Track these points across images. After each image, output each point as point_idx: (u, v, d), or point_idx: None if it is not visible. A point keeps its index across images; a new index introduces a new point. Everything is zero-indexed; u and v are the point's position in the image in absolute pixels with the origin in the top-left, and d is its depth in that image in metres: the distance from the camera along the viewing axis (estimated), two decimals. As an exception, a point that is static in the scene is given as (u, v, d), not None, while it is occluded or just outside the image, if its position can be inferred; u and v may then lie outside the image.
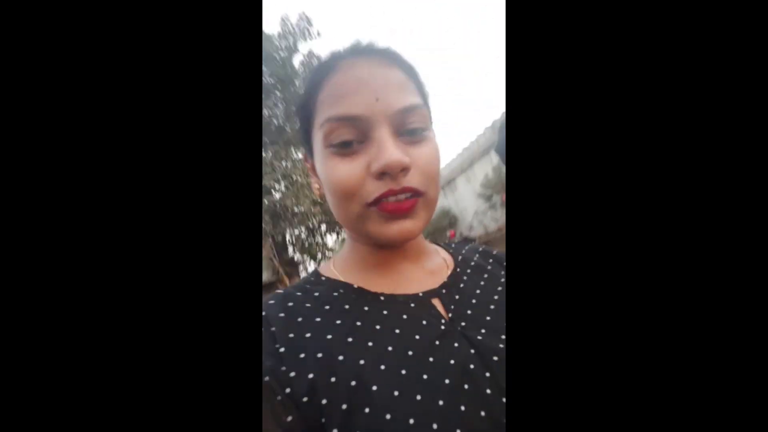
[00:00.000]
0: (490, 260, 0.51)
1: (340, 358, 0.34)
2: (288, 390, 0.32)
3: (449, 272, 0.45)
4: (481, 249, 0.53)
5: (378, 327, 0.37)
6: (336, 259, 0.46)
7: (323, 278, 0.43)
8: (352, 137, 0.36)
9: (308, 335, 0.35)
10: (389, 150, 0.34)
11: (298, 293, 0.40)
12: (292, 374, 0.33)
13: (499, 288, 0.45)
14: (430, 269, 0.45)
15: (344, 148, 0.36)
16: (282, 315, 0.37)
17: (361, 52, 0.38)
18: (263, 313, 0.38)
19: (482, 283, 0.45)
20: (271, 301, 0.40)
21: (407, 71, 0.39)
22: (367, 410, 0.31)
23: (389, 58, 0.38)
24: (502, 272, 0.48)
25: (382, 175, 0.35)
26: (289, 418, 0.31)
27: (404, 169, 0.35)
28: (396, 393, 0.31)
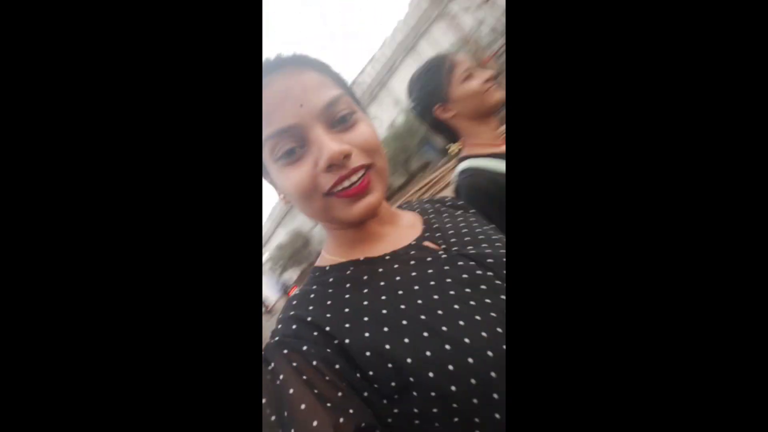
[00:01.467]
0: (437, 205, 0.61)
1: (385, 311, 0.40)
2: (338, 365, 0.36)
3: (422, 221, 0.54)
4: (426, 202, 0.62)
5: (398, 278, 0.43)
6: (328, 248, 0.50)
7: (327, 267, 0.47)
8: (293, 145, 0.39)
9: (346, 310, 0.40)
10: (327, 145, 0.38)
11: (314, 287, 0.45)
12: (347, 341, 0.37)
13: (459, 217, 0.56)
14: (407, 225, 0.52)
15: (289, 157, 0.40)
16: (311, 308, 0.42)
17: (273, 68, 0.40)
18: (291, 314, 0.42)
19: (446, 220, 0.55)
20: (294, 302, 0.44)
21: (320, 69, 0.42)
22: (425, 334, 0.37)
23: (300, 63, 0.41)
24: (450, 208, 0.59)
25: (330, 167, 0.39)
26: (339, 394, 0.35)
27: (346, 156, 0.39)
28: (440, 312, 0.39)
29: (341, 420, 0.34)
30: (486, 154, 0.88)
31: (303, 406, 0.34)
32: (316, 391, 0.35)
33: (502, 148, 0.89)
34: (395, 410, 0.36)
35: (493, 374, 0.34)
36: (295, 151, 0.39)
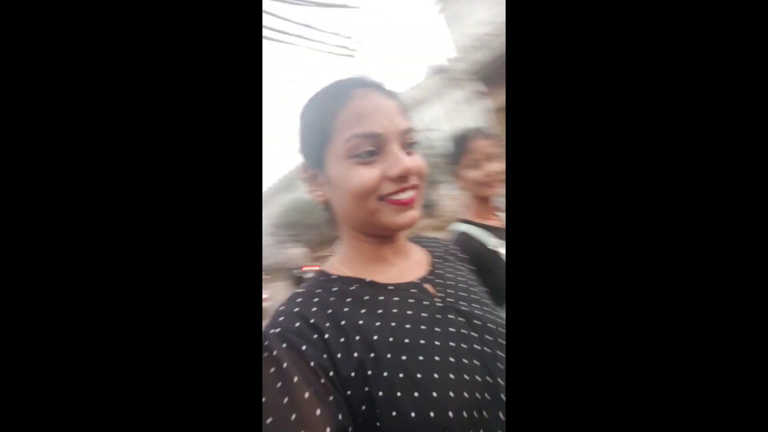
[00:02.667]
0: (446, 248, 0.65)
1: (375, 338, 0.43)
2: (331, 373, 0.40)
3: (429, 262, 0.58)
4: (437, 241, 0.67)
5: (395, 311, 0.47)
6: (339, 258, 0.54)
7: (334, 276, 0.51)
8: (373, 148, 0.46)
9: (343, 323, 0.44)
10: (405, 159, 0.46)
11: (318, 290, 0.49)
12: (339, 356, 0.41)
13: (460, 270, 0.60)
14: (416, 261, 0.57)
15: (366, 157, 0.46)
16: (315, 309, 0.45)
17: (368, 84, 0.49)
18: (296, 310, 0.45)
19: (449, 267, 0.60)
20: (299, 299, 0.47)
21: (399, 102, 0.51)
22: (401, 375, 0.40)
23: (387, 92, 0.51)
24: (455, 258, 0.64)
25: (399, 178, 0.46)
26: (331, 398, 0.38)
27: (411, 173, 0.47)
28: (421, 357, 0.42)
29: (340, 417, 0.37)
30: (481, 224, 1.02)
31: (307, 395, 0.37)
32: (313, 388, 0.38)
33: (495, 223, 1.03)
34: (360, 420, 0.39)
35: None
36: (371, 155, 0.46)
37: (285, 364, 0.38)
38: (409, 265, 0.55)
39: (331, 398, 0.38)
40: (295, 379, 0.37)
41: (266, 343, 0.41)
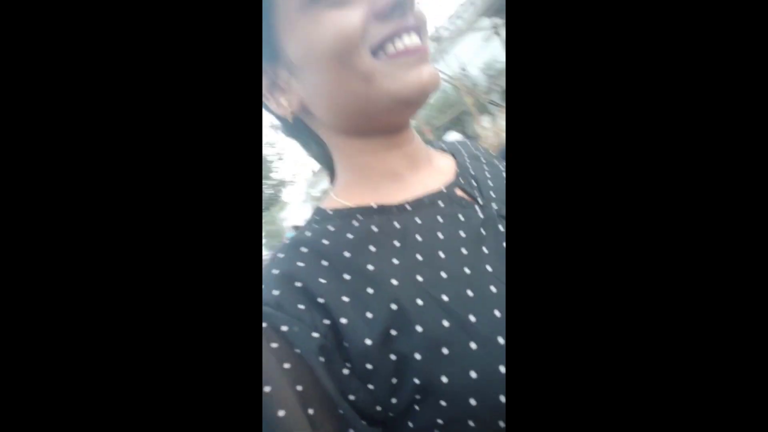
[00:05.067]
0: (472, 147, 0.48)
1: (394, 282, 0.30)
2: (347, 343, 0.28)
3: (454, 163, 0.42)
4: (459, 140, 0.50)
5: (419, 238, 0.33)
6: (337, 188, 0.39)
7: (330, 212, 0.36)
8: None
9: (346, 276, 0.31)
10: None
11: (308, 233, 0.35)
12: (344, 321, 0.29)
13: (501, 169, 0.43)
14: (437, 168, 0.40)
15: None
16: (302, 264, 0.32)
17: None
18: (275, 271, 0.32)
19: (485, 167, 0.43)
20: (281, 255, 0.33)
21: None
22: (445, 324, 0.28)
23: None
24: (482, 154, 0.46)
25: (391, 10, 0.30)
26: (346, 371, 0.28)
27: (409, 8, 0.31)
28: (470, 293, 0.30)
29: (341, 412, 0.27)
30: None
31: (282, 413, 0.25)
32: (299, 388, 0.27)
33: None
34: (390, 414, 0.28)
35: (503, 397, 0.27)
36: None
37: (272, 350, 0.28)
38: (430, 174, 0.38)
39: (346, 371, 0.28)
40: (268, 389, 0.27)
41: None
